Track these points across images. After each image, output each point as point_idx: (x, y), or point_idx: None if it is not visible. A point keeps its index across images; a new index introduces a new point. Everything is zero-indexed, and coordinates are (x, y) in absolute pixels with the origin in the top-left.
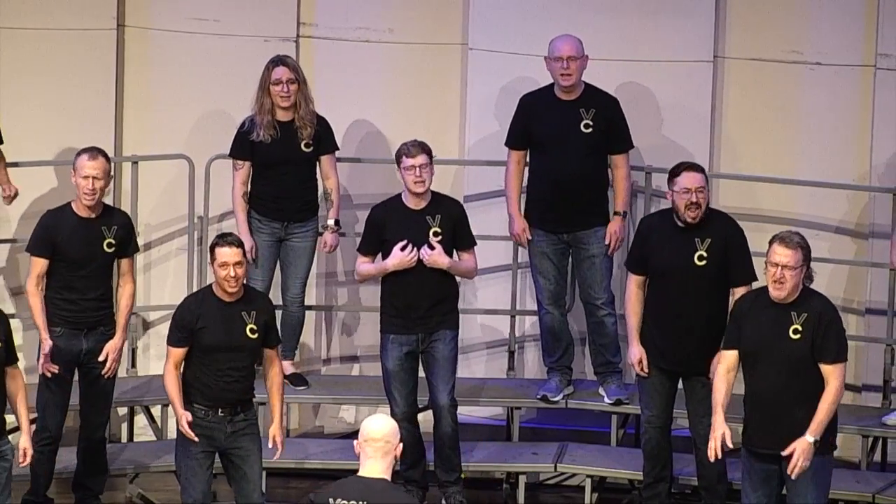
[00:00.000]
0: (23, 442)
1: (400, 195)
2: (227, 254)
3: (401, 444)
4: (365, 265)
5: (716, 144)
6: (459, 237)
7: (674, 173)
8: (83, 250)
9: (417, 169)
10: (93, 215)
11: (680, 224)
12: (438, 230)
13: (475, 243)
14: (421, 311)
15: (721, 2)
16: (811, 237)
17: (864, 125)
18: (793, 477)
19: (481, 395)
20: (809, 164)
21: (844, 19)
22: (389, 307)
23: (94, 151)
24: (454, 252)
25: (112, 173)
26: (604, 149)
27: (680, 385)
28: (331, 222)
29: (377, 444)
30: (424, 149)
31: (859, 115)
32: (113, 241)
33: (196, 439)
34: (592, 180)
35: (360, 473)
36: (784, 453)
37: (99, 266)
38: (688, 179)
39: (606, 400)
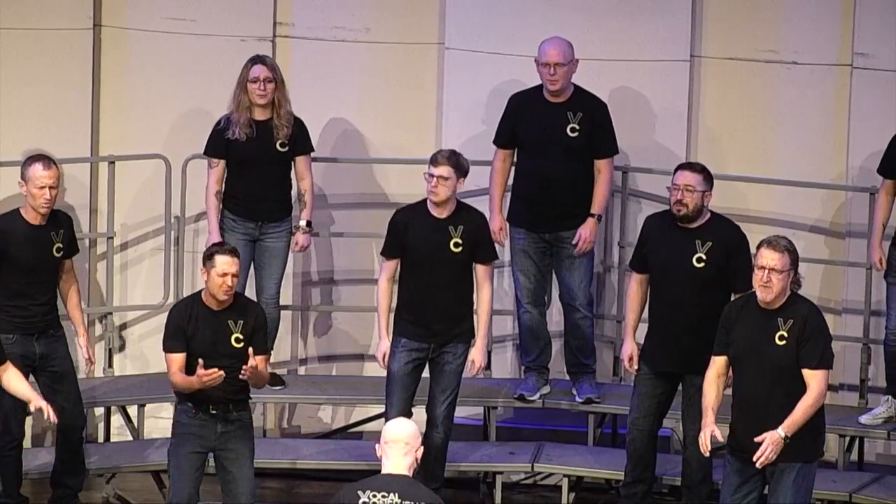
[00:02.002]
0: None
1: (426, 201)
2: (228, 262)
3: (422, 447)
4: (380, 293)
5: (692, 144)
6: (479, 250)
7: (674, 171)
8: (36, 257)
9: (435, 179)
10: (43, 222)
11: (681, 224)
12: (459, 241)
13: (496, 257)
14: (434, 325)
15: (697, 1)
16: (788, 237)
17: (841, 124)
18: (757, 465)
19: (459, 394)
20: (786, 164)
21: (821, 18)
22: (403, 312)
23: (47, 160)
24: (472, 264)
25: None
26: (589, 152)
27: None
28: (303, 223)
29: (397, 445)
30: (451, 162)
31: (836, 115)
32: (61, 245)
33: (222, 374)
34: (576, 182)
35: (385, 471)
36: (756, 439)
37: (49, 271)
38: (678, 176)
39: (577, 399)
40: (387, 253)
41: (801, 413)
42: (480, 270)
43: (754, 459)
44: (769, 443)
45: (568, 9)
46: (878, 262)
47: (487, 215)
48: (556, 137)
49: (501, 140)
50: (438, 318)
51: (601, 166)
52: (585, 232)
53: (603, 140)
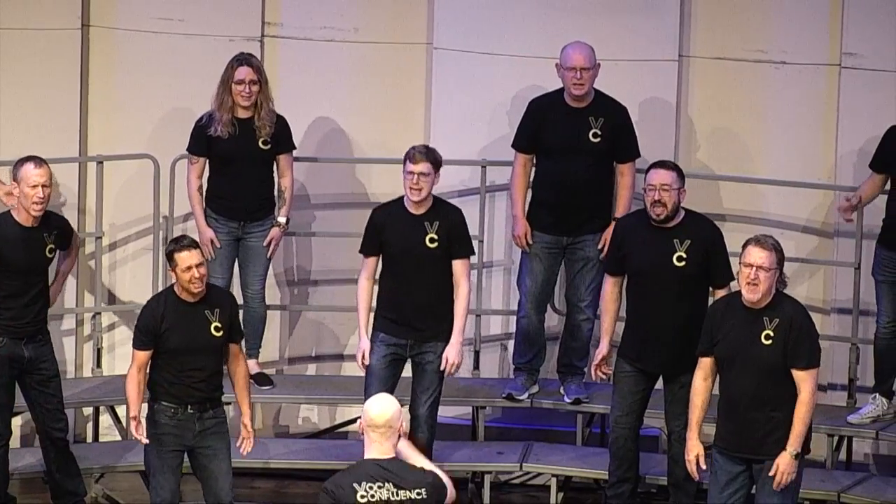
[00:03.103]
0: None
1: (402, 198)
2: (187, 258)
3: (406, 424)
4: (360, 292)
5: (681, 143)
6: (456, 246)
7: (646, 171)
8: (28, 259)
9: (416, 176)
10: (35, 223)
11: (657, 224)
12: (435, 237)
13: (472, 252)
14: (414, 322)
15: (686, 1)
16: (776, 236)
17: (829, 124)
18: (777, 489)
19: (447, 394)
20: (775, 164)
21: (809, 18)
22: (383, 310)
23: (38, 160)
24: (450, 260)
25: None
26: (611, 156)
27: (659, 384)
28: (282, 219)
29: (380, 430)
30: (430, 157)
31: (824, 115)
32: (53, 246)
33: (146, 441)
34: (597, 188)
35: (369, 456)
36: (770, 474)
37: (40, 273)
38: (654, 176)
39: (566, 399)
40: (365, 251)
41: (801, 424)
42: (457, 266)
43: (774, 487)
44: (783, 468)
45: (556, 8)
46: (846, 199)
47: (472, 218)
48: (579, 143)
49: (521, 144)
50: (417, 314)
51: (624, 170)
52: (609, 236)
53: (625, 144)
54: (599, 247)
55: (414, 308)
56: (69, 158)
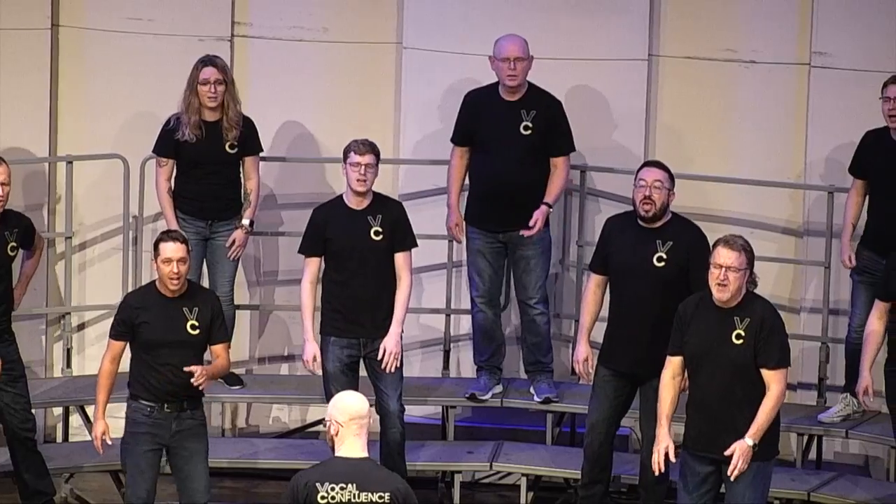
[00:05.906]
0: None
1: (341, 196)
2: (171, 249)
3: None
4: (303, 294)
5: (651, 143)
6: (399, 238)
7: (638, 169)
8: None
9: (363, 168)
10: None
11: (642, 224)
12: (380, 230)
13: (415, 245)
14: (362, 318)
15: (655, 0)
16: (746, 236)
17: (799, 123)
18: (731, 478)
19: (416, 393)
20: (744, 163)
21: (779, 17)
22: (329, 310)
23: None
24: (393, 253)
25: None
26: (544, 151)
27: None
28: (245, 222)
29: (363, 421)
30: (373, 150)
31: (794, 114)
32: (15, 245)
33: (101, 452)
34: (531, 182)
35: (341, 454)
36: (726, 453)
37: (3, 272)
38: (646, 173)
39: (536, 399)
40: (307, 251)
41: (764, 417)
42: (400, 258)
43: (728, 473)
44: (739, 454)
45: (526, 7)
46: (848, 259)
47: (441, 217)
48: (509, 136)
49: (458, 138)
50: (365, 311)
51: (557, 163)
52: (539, 214)
53: (558, 137)
54: (531, 224)
55: (362, 303)
56: (39, 158)
